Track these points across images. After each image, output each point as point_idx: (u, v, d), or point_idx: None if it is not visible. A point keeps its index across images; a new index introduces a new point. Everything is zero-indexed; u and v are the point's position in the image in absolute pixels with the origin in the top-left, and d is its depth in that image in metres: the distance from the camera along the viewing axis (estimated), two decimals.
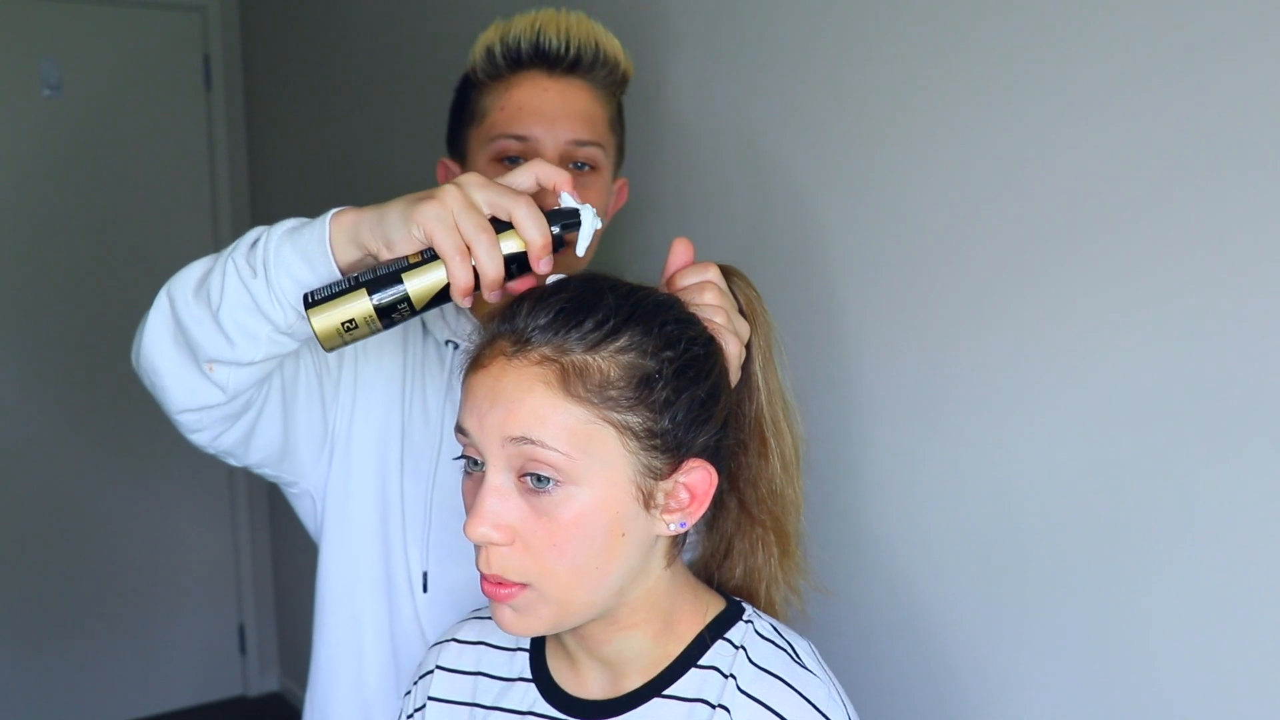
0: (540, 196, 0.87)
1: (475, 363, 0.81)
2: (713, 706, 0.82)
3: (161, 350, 0.94)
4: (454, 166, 1.25)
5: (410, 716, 0.98)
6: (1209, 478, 1.04)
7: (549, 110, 1.16)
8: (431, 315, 1.20)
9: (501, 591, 0.80)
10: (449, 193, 0.82)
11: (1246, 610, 1.02)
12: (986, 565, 1.25)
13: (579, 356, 0.77)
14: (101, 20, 3.13)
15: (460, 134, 1.23)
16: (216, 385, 0.95)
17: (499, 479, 0.78)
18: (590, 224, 0.86)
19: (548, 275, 0.85)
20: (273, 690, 3.56)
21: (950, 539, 1.29)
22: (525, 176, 0.86)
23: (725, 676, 0.83)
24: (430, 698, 0.96)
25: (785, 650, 0.85)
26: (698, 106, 1.61)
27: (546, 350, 0.77)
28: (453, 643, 0.98)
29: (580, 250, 0.86)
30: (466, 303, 0.84)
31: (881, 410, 1.36)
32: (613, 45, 1.20)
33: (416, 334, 1.21)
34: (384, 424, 1.18)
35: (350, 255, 0.87)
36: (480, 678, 0.94)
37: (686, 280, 0.88)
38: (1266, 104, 0.97)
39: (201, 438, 1.03)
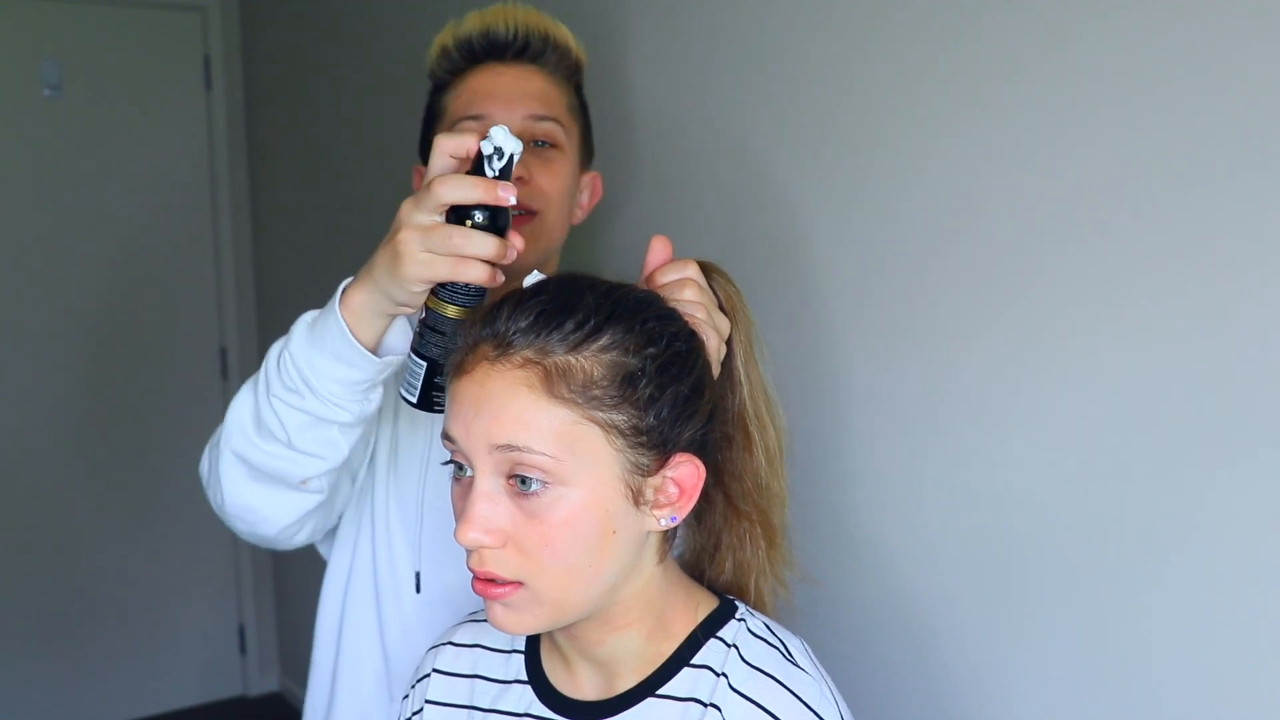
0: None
1: (459, 369, 0.81)
2: (705, 705, 0.82)
3: (246, 491, 1.02)
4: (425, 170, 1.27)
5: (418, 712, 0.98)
6: (1206, 479, 1.04)
7: (503, 90, 1.19)
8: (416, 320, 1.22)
9: (494, 590, 0.80)
10: (405, 240, 0.86)
11: (1244, 613, 1.02)
12: (979, 559, 1.25)
13: (561, 358, 0.77)
14: (101, 20, 3.14)
15: (428, 136, 1.26)
16: (314, 493, 1.02)
17: (487, 484, 0.79)
18: (504, 145, 0.87)
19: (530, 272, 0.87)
20: (273, 690, 3.56)
21: (941, 532, 1.29)
22: (439, 161, 0.90)
23: (717, 675, 0.83)
24: (428, 701, 0.96)
25: (777, 648, 0.85)
26: (681, 102, 1.61)
27: (529, 353, 0.77)
28: (449, 646, 0.98)
29: (490, 170, 0.87)
30: (500, 278, 0.88)
31: (869, 404, 1.36)
32: (562, 33, 1.23)
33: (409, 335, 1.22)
34: (375, 427, 1.19)
35: (374, 330, 0.93)
36: (477, 680, 0.94)
37: (666, 277, 0.88)
38: (1267, 103, 0.97)
39: (301, 537, 1.10)
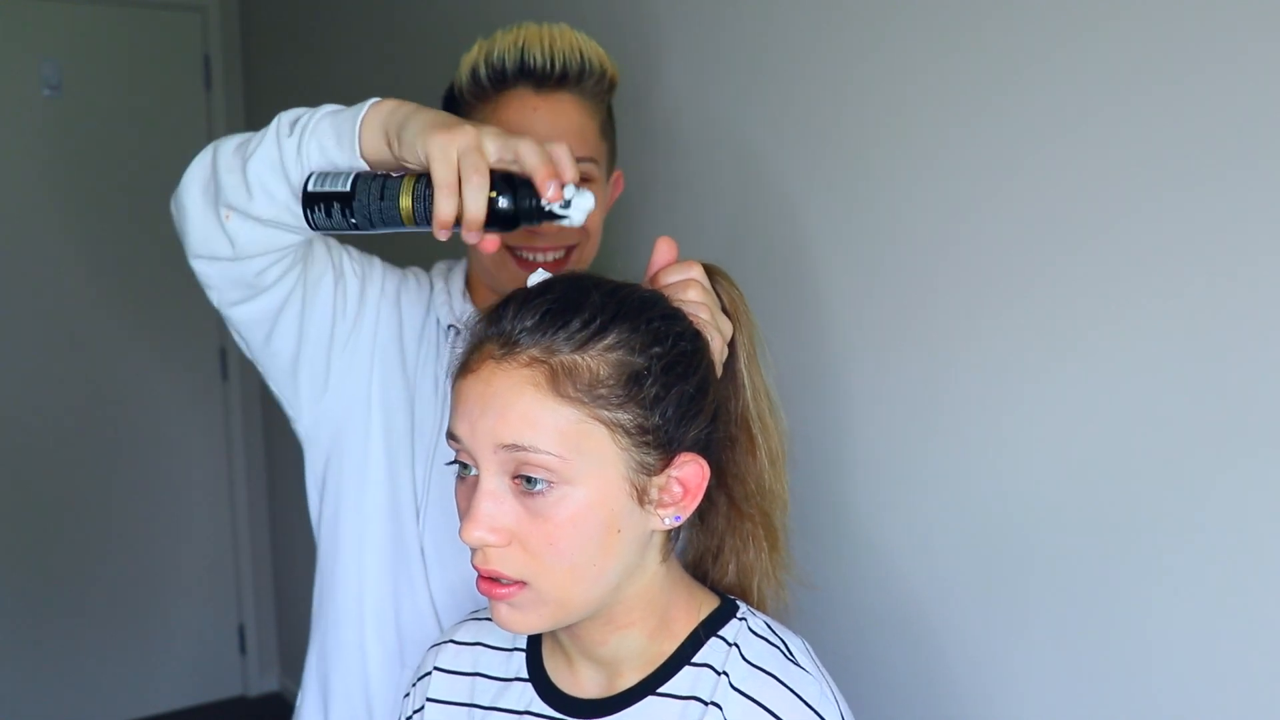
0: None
1: (464, 367, 0.81)
2: (705, 704, 0.82)
3: (192, 195, 1.01)
4: None
5: (409, 718, 0.98)
6: (1208, 478, 1.04)
7: (539, 131, 1.14)
8: (439, 299, 1.23)
9: (499, 590, 0.80)
10: (465, 132, 0.85)
11: (1246, 612, 1.02)
12: (979, 559, 1.25)
13: (567, 356, 0.77)
14: (101, 20, 3.14)
15: None
16: (227, 236, 1.00)
17: (493, 483, 0.79)
18: (580, 213, 0.87)
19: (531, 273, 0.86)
20: (273, 690, 3.56)
21: (942, 532, 1.29)
22: (540, 152, 0.87)
23: (718, 674, 0.83)
24: (429, 699, 0.96)
25: (778, 648, 0.86)
26: (686, 104, 1.61)
27: (535, 352, 0.78)
28: (450, 644, 0.98)
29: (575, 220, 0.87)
30: (443, 235, 0.86)
31: (869, 404, 1.36)
32: (597, 53, 1.19)
33: (432, 314, 1.23)
34: (394, 397, 1.20)
35: (376, 141, 0.92)
36: (478, 678, 0.94)
37: (670, 278, 0.88)
38: (1265, 104, 0.97)
39: (214, 296, 1.09)
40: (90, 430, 3.20)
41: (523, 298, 0.81)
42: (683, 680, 0.84)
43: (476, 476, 0.80)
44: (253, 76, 3.33)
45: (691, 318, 0.85)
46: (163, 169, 3.28)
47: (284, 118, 0.95)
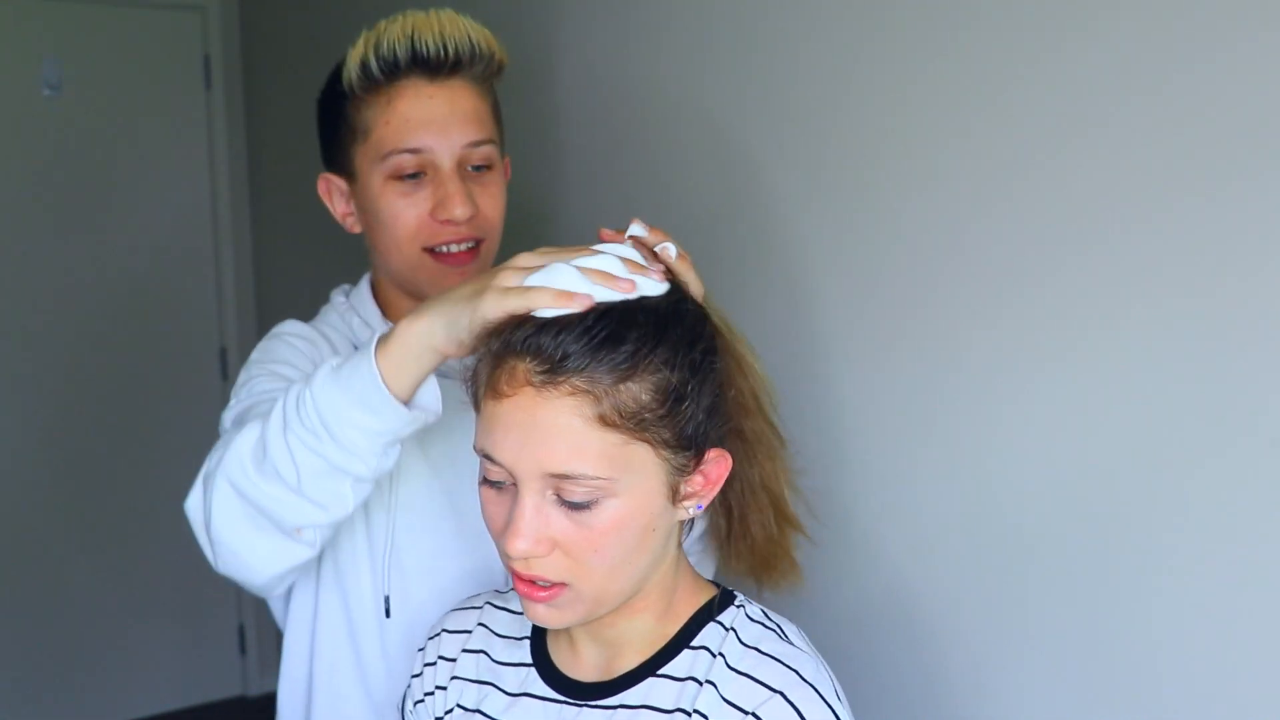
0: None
1: (495, 390, 0.80)
2: (700, 683, 0.83)
3: (238, 531, 0.95)
4: (339, 181, 1.21)
5: (430, 694, 0.98)
6: (1203, 477, 1.03)
7: (437, 118, 1.13)
8: (356, 325, 1.22)
9: (539, 593, 0.81)
10: (499, 273, 0.84)
11: (1246, 612, 1.02)
12: (978, 560, 1.25)
13: (611, 385, 0.78)
14: (101, 20, 3.14)
15: (343, 150, 1.19)
16: (306, 545, 0.96)
17: (535, 499, 0.79)
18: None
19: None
20: (272, 690, 3.53)
21: (940, 534, 1.29)
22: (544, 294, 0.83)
23: (714, 655, 0.84)
24: (441, 656, 0.97)
25: (774, 630, 0.87)
26: (683, 106, 1.61)
27: (578, 381, 0.77)
28: (457, 614, 1.00)
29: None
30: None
31: (869, 408, 1.36)
32: (485, 37, 1.17)
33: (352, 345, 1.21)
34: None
35: (408, 378, 0.88)
36: (482, 656, 0.96)
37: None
38: (1266, 106, 0.96)
39: (281, 589, 1.06)
40: (90, 428, 3.21)
41: (563, 323, 0.79)
42: (681, 662, 0.86)
43: (514, 487, 0.80)
44: (253, 76, 3.33)
45: (678, 274, 0.88)
46: (163, 169, 3.31)
47: (292, 421, 0.89)
